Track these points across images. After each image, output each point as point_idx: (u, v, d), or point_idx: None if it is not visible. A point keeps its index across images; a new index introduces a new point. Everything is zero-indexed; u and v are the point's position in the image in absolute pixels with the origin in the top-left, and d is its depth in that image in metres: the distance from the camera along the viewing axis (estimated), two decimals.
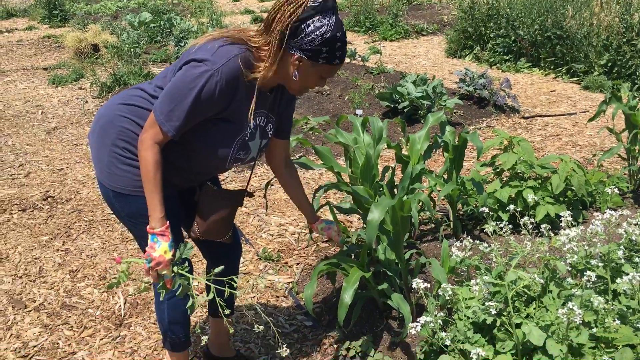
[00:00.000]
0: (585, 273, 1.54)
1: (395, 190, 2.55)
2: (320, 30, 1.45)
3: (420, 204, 2.74)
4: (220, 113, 1.53)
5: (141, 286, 1.53)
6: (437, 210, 3.07)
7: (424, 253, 2.62)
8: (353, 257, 2.35)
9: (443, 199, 2.98)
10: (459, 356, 1.55)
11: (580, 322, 1.40)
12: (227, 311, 1.44)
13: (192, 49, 1.52)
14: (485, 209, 1.93)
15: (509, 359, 1.49)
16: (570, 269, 1.71)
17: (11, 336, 2.35)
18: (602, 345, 1.47)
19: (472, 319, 1.61)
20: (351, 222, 3.17)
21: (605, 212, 1.76)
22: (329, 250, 2.91)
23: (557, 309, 1.51)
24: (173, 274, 1.51)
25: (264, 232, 3.12)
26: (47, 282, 2.72)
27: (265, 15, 8.63)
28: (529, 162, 2.88)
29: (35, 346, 2.29)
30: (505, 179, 2.98)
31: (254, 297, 2.56)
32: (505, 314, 1.55)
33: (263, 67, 1.51)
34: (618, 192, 2.22)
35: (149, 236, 1.50)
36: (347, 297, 1.91)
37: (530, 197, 1.99)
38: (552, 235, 1.79)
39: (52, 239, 3.11)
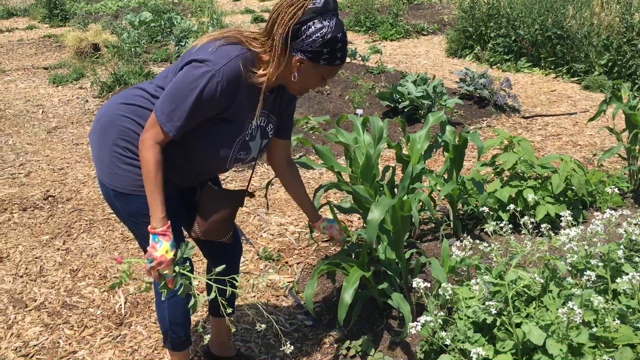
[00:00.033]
0: (585, 273, 1.55)
1: (396, 189, 2.55)
2: (321, 31, 1.46)
3: (421, 203, 2.74)
4: (221, 113, 1.53)
5: (142, 286, 1.54)
6: (438, 210, 3.07)
7: (424, 253, 2.62)
8: (353, 256, 2.35)
9: (443, 199, 2.99)
10: (459, 356, 1.55)
11: (580, 321, 1.40)
12: (229, 310, 1.44)
13: (193, 49, 1.52)
14: (486, 209, 1.93)
15: (509, 359, 1.49)
16: (570, 268, 1.71)
17: (12, 335, 2.36)
18: (602, 344, 1.48)
19: (472, 318, 1.62)
20: (351, 221, 3.18)
21: (605, 212, 1.76)
22: (329, 250, 2.91)
23: (557, 309, 1.51)
24: (174, 274, 1.51)
25: (265, 232, 3.12)
26: (48, 282, 2.72)
27: (265, 14, 8.59)
28: (529, 162, 2.88)
29: (36, 345, 2.29)
30: (505, 178, 2.98)
31: (255, 296, 2.56)
32: (505, 313, 1.55)
33: (267, 71, 1.52)
34: (618, 191, 2.22)
35: (150, 236, 1.50)
36: (347, 296, 1.91)
37: (530, 196, 1.99)
38: (552, 235, 1.80)
39: (52, 238, 3.11)
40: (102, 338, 2.33)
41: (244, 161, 1.70)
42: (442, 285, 1.65)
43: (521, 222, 1.80)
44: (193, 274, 1.56)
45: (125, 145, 1.58)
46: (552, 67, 6.16)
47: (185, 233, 1.82)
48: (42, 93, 5.93)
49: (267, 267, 2.79)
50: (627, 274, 1.55)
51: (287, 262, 2.82)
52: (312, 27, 1.46)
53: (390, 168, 2.64)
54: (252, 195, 1.86)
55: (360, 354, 2.13)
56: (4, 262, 2.89)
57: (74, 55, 7.30)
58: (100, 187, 1.66)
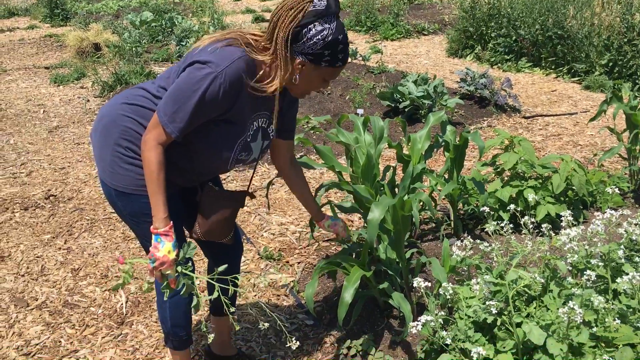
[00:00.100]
0: (585, 272, 1.55)
1: (396, 189, 2.56)
2: (322, 34, 1.46)
3: (421, 203, 2.75)
4: (223, 114, 1.54)
5: (143, 286, 1.54)
6: (438, 210, 3.08)
7: (424, 252, 2.63)
8: (354, 256, 2.35)
9: (444, 199, 2.99)
10: (459, 355, 1.55)
11: (581, 321, 1.40)
12: (232, 309, 1.45)
13: (195, 51, 1.53)
14: (486, 209, 1.94)
15: (509, 358, 1.49)
16: (570, 268, 1.71)
17: (13, 334, 2.36)
18: (603, 344, 1.48)
19: (472, 318, 1.62)
20: (352, 221, 3.18)
21: (605, 212, 1.77)
22: (330, 250, 2.91)
23: (558, 309, 1.52)
24: (177, 274, 1.51)
25: (265, 231, 3.12)
26: (49, 281, 2.73)
27: (266, 14, 8.58)
28: (529, 162, 2.89)
29: (37, 344, 2.30)
30: (506, 178, 2.98)
31: (256, 295, 2.57)
32: (505, 313, 1.56)
33: (277, 80, 1.52)
34: (619, 191, 2.22)
35: (153, 236, 1.51)
36: (348, 295, 1.92)
37: (531, 196, 1.99)
38: (553, 234, 1.80)
39: (54, 237, 3.12)
40: (104, 337, 2.34)
41: (245, 162, 1.70)
42: (442, 284, 1.65)
43: (522, 222, 1.80)
44: (195, 273, 1.56)
45: (127, 145, 1.59)
46: (553, 67, 6.16)
47: (186, 233, 1.82)
48: (44, 92, 5.93)
49: (268, 266, 2.79)
50: (628, 273, 1.55)
51: (287, 262, 2.83)
52: (313, 29, 1.46)
53: (391, 168, 2.64)
54: (252, 196, 1.86)
55: (360, 353, 2.13)
56: (5, 262, 2.90)
57: (75, 55, 7.31)
58: (102, 186, 1.67)
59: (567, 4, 6.24)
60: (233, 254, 1.98)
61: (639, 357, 1.40)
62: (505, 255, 1.77)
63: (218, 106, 1.50)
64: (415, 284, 1.66)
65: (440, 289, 1.69)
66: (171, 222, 1.52)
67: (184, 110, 1.47)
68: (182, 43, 7.31)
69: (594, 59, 5.71)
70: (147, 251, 1.62)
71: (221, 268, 1.50)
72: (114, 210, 1.85)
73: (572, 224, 1.78)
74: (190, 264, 1.58)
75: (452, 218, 2.91)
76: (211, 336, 1.55)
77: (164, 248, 1.49)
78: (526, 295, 1.64)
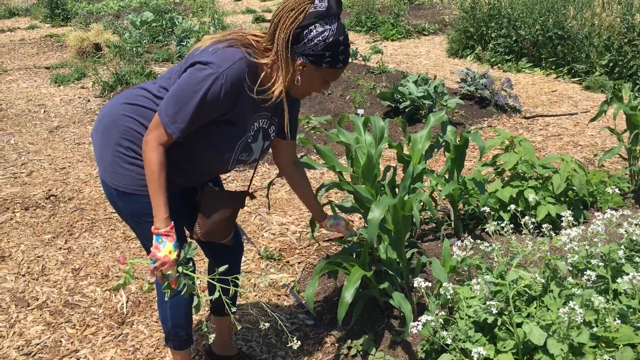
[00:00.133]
0: (585, 273, 1.55)
1: (397, 189, 2.56)
2: (323, 35, 1.46)
3: (422, 203, 2.75)
4: (224, 115, 1.54)
5: (144, 286, 1.54)
6: (439, 210, 3.08)
7: (425, 252, 2.63)
8: (354, 256, 2.36)
9: (444, 199, 2.99)
10: (460, 355, 1.55)
11: (581, 321, 1.40)
12: (233, 309, 1.45)
13: (197, 51, 1.53)
14: (487, 209, 1.94)
15: (510, 358, 1.49)
16: (571, 268, 1.72)
17: (14, 334, 2.37)
18: (603, 344, 1.48)
19: (473, 318, 1.62)
20: (352, 221, 3.18)
21: (606, 212, 1.77)
22: (331, 250, 2.91)
23: (558, 309, 1.52)
24: (178, 274, 1.52)
25: (266, 231, 3.13)
26: (50, 281, 2.73)
27: (266, 14, 8.57)
28: (530, 162, 2.89)
29: (38, 344, 2.30)
30: (506, 178, 2.98)
31: (256, 295, 2.57)
32: (506, 313, 1.56)
33: (279, 83, 1.52)
34: (619, 192, 2.23)
35: (154, 236, 1.51)
36: (348, 295, 1.92)
37: (531, 197, 1.99)
38: (553, 235, 1.80)
39: (54, 237, 3.12)
40: (104, 337, 2.34)
41: (246, 162, 1.71)
42: (443, 284, 1.66)
43: (522, 222, 1.80)
44: (195, 274, 1.56)
45: (128, 145, 1.59)
46: (553, 67, 6.17)
47: (187, 233, 1.82)
48: (44, 93, 5.94)
49: (269, 266, 2.80)
50: (628, 274, 1.55)
51: (288, 262, 2.83)
52: (314, 30, 1.46)
53: (392, 168, 2.64)
54: (253, 196, 1.87)
55: (361, 353, 2.13)
56: (6, 261, 2.90)
57: (75, 55, 7.32)
58: (103, 186, 1.67)
59: (568, 5, 6.25)
60: (233, 254, 1.98)
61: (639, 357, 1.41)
62: (506, 255, 1.77)
63: (219, 107, 1.50)
64: (415, 284, 1.66)
65: (440, 289, 1.69)
66: (172, 222, 1.53)
67: (186, 111, 1.47)
68: (182, 43, 7.32)
69: (594, 59, 5.71)
70: (148, 251, 1.62)
71: (222, 268, 1.50)
72: (114, 210, 1.85)
73: (573, 224, 1.79)
74: (191, 264, 1.58)
75: (452, 218, 2.91)
76: (212, 336, 1.55)
77: (165, 248, 1.49)
78: (526, 295, 1.65)
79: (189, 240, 1.70)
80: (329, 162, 2.42)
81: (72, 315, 2.48)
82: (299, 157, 2.04)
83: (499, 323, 1.57)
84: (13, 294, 2.64)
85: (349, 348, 2.15)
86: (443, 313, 1.60)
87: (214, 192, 1.76)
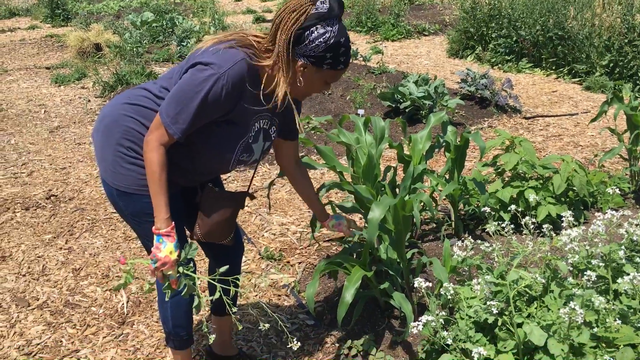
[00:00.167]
0: (586, 273, 1.55)
1: (397, 190, 2.56)
2: (324, 36, 1.47)
3: (422, 203, 2.75)
4: (225, 115, 1.54)
5: (145, 286, 1.54)
6: (439, 210, 3.08)
7: (425, 252, 2.63)
8: (355, 256, 2.36)
9: (445, 199, 2.99)
10: (460, 355, 1.55)
11: (582, 321, 1.40)
12: (234, 309, 1.45)
13: (198, 52, 1.53)
14: (487, 209, 1.94)
15: (510, 359, 1.49)
16: (571, 268, 1.72)
17: (15, 334, 2.37)
18: (603, 344, 1.48)
19: (473, 318, 1.62)
20: (353, 221, 3.18)
21: (606, 213, 1.77)
22: (331, 250, 2.92)
23: (559, 309, 1.52)
24: (178, 274, 1.52)
25: (266, 231, 3.13)
26: (51, 281, 2.73)
27: (267, 14, 8.55)
28: (530, 163, 2.89)
29: (38, 344, 2.30)
30: (506, 179, 2.98)
31: (257, 295, 2.57)
32: (506, 313, 1.56)
33: (282, 84, 1.52)
34: (619, 192, 2.23)
35: (155, 237, 1.51)
36: (349, 295, 1.92)
37: (531, 197, 2.00)
38: (554, 235, 1.80)
39: (55, 237, 3.12)
40: (105, 337, 2.34)
41: (246, 163, 1.71)
42: (443, 285, 1.66)
43: (522, 223, 1.80)
44: (196, 274, 1.57)
45: (129, 145, 1.59)
46: (554, 67, 6.17)
47: (187, 233, 1.82)
48: (45, 93, 5.94)
49: (269, 266, 2.80)
50: (628, 274, 1.55)
51: (288, 262, 2.83)
52: (315, 32, 1.46)
53: (392, 168, 2.64)
54: (252, 196, 1.87)
55: (361, 353, 2.13)
56: (6, 261, 2.91)
57: (76, 55, 7.32)
58: (104, 186, 1.67)
59: (568, 5, 6.25)
60: (234, 254, 1.98)
61: None
62: (506, 255, 1.77)
63: (220, 107, 1.50)
64: (416, 284, 1.66)
65: (441, 289, 1.69)
66: (173, 222, 1.53)
67: (187, 112, 1.47)
68: (182, 43, 7.32)
69: (594, 59, 5.71)
70: (149, 251, 1.62)
71: (223, 269, 1.50)
72: (115, 210, 1.85)
73: (573, 224, 1.79)
74: (191, 264, 1.58)
75: (452, 218, 2.91)
76: (212, 337, 1.55)
77: (166, 249, 1.50)
78: (527, 295, 1.65)
79: (189, 240, 1.70)
80: (329, 162, 2.43)
81: (73, 315, 2.48)
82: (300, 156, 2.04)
83: (499, 323, 1.57)
84: (14, 294, 2.64)
85: (350, 348, 2.15)
86: (443, 313, 1.60)
87: (213, 193, 1.76)
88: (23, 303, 2.57)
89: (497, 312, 1.52)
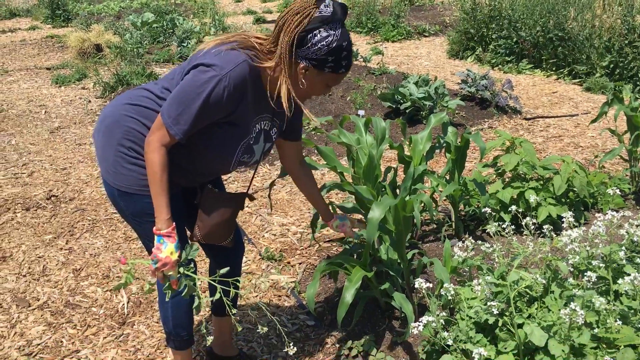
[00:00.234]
0: (586, 274, 1.55)
1: (398, 190, 2.56)
2: (327, 40, 1.47)
3: (423, 204, 2.75)
4: (227, 117, 1.54)
5: (145, 287, 1.55)
6: (439, 211, 3.08)
7: (425, 253, 2.63)
8: (355, 256, 2.36)
9: (445, 200, 3.00)
10: (461, 356, 1.56)
11: (582, 322, 1.41)
12: (234, 310, 1.45)
13: (200, 53, 1.53)
14: (488, 210, 1.94)
15: (510, 359, 1.49)
16: (572, 269, 1.72)
17: (15, 334, 2.37)
18: (604, 345, 1.48)
19: (474, 319, 1.62)
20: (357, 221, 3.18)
21: (607, 213, 1.77)
22: (331, 250, 2.92)
23: (559, 310, 1.52)
24: (179, 275, 1.52)
25: (267, 232, 3.13)
26: (51, 281, 2.73)
27: (267, 15, 8.55)
28: (531, 163, 2.89)
29: (39, 344, 2.30)
30: (507, 179, 2.99)
31: (257, 296, 2.57)
32: (507, 314, 1.56)
33: (285, 86, 1.52)
34: (620, 193, 2.23)
35: (155, 237, 1.51)
36: (349, 296, 1.92)
37: (532, 198, 2.00)
38: (554, 236, 1.80)
39: (55, 237, 3.12)
40: (105, 337, 2.34)
41: (247, 164, 1.71)
42: (444, 285, 1.66)
43: (523, 223, 1.80)
44: (197, 274, 1.57)
45: (130, 146, 1.59)
46: (554, 68, 6.17)
47: (188, 233, 1.83)
48: (45, 93, 5.94)
49: (269, 267, 2.80)
50: (629, 275, 1.56)
51: (289, 262, 2.83)
52: (318, 35, 1.46)
53: (392, 169, 2.64)
54: (252, 197, 1.87)
55: (362, 354, 2.13)
56: (7, 262, 2.91)
57: (76, 56, 7.33)
58: (105, 186, 1.67)
59: (568, 6, 6.25)
60: (234, 255, 1.99)
61: None
62: (507, 256, 1.77)
63: (222, 109, 1.51)
64: (416, 285, 1.66)
65: (441, 290, 1.69)
66: (174, 223, 1.53)
67: (188, 113, 1.47)
68: (183, 44, 7.33)
69: (594, 60, 5.71)
70: (149, 251, 1.62)
71: (223, 270, 1.50)
72: (115, 211, 1.86)
73: (574, 225, 1.79)
74: (192, 265, 1.58)
75: (453, 219, 2.91)
76: (210, 338, 1.56)
77: (167, 249, 1.50)
78: (527, 296, 1.65)
79: (191, 242, 1.70)
80: (330, 162, 2.43)
81: (73, 315, 2.48)
82: None
83: (500, 324, 1.58)
84: (14, 294, 2.64)
85: (350, 349, 2.15)
86: (444, 314, 1.61)
87: (213, 194, 1.76)
88: (23, 303, 2.57)
89: (497, 312, 1.52)
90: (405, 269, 2.22)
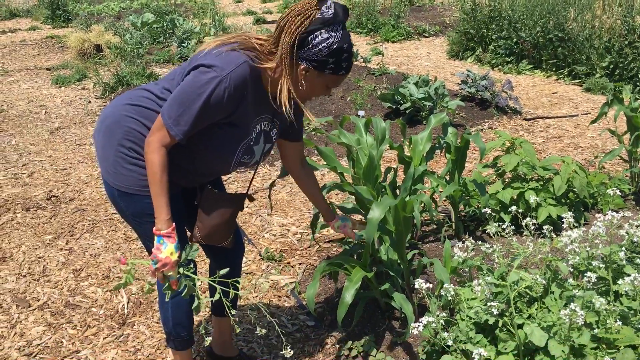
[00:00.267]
0: (586, 274, 1.55)
1: (398, 191, 2.56)
2: (327, 41, 1.47)
3: (422, 204, 2.75)
4: (227, 117, 1.54)
5: (145, 287, 1.55)
6: (439, 211, 3.08)
7: (425, 254, 2.63)
8: (355, 257, 2.36)
9: (445, 200, 3.00)
10: (460, 356, 1.56)
11: (582, 323, 1.41)
12: (234, 311, 1.45)
13: (201, 54, 1.53)
14: (488, 210, 1.94)
15: None
16: (572, 270, 1.72)
17: (15, 335, 2.37)
18: (604, 346, 1.48)
19: (474, 319, 1.62)
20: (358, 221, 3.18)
21: (607, 214, 1.77)
22: (331, 251, 2.92)
23: (559, 310, 1.52)
24: (179, 275, 1.52)
25: (267, 232, 3.13)
26: (51, 281, 2.73)
27: (267, 16, 8.56)
28: (530, 164, 2.89)
29: (39, 345, 2.30)
30: (507, 180, 2.99)
31: (257, 296, 2.57)
32: (507, 314, 1.56)
33: (286, 87, 1.53)
34: (620, 193, 2.23)
35: (155, 238, 1.51)
36: (349, 296, 1.92)
37: (532, 198, 2.00)
38: (554, 236, 1.80)
39: (55, 238, 3.12)
40: (105, 337, 2.34)
41: (247, 165, 1.71)
42: (444, 286, 1.66)
43: (523, 224, 1.81)
44: (196, 275, 1.57)
45: (130, 146, 1.59)
46: (554, 69, 6.17)
47: (188, 234, 1.83)
48: (45, 94, 5.94)
49: (269, 267, 2.80)
50: (629, 275, 1.56)
51: (289, 263, 2.83)
52: (319, 36, 1.47)
53: (392, 169, 2.65)
54: (252, 198, 1.87)
55: (362, 354, 2.13)
56: (7, 262, 2.91)
57: (76, 56, 7.33)
58: (105, 187, 1.68)
59: (568, 7, 6.25)
60: (234, 255, 1.99)
61: None
62: (507, 256, 1.77)
63: (222, 110, 1.51)
64: (416, 285, 1.66)
65: (441, 290, 1.69)
66: (174, 223, 1.53)
67: (189, 114, 1.47)
68: (183, 44, 7.33)
69: (594, 61, 5.72)
70: (149, 252, 1.62)
71: (223, 271, 1.50)
72: (115, 211, 1.86)
73: (574, 225, 1.79)
74: (192, 265, 1.59)
75: (453, 219, 2.91)
76: (208, 339, 1.56)
77: (167, 250, 1.50)
78: (527, 296, 1.65)
79: (191, 242, 1.70)
80: (330, 163, 2.43)
81: (73, 315, 2.48)
82: None
83: (500, 324, 1.58)
84: (14, 294, 2.64)
85: (350, 349, 2.15)
86: (444, 314, 1.61)
87: (213, 194, 1.76)
88: (24, 304, 2.57)
89: (497, 313, 1.52)
90: (405, 270, 2.22)
